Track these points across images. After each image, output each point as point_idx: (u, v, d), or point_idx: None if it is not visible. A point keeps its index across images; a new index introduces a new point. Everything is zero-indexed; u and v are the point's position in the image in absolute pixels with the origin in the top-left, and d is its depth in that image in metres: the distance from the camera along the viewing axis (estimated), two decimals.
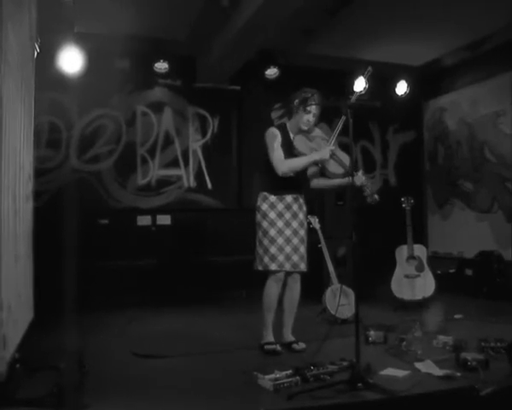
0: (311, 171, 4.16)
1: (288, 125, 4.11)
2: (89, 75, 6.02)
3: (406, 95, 7.50)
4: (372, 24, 6.14)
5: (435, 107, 8.04)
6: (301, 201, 4.12)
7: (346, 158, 3.97)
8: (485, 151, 7.10)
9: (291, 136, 4.05)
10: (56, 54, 5.86)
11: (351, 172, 3.72)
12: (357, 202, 3.42)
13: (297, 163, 3.94)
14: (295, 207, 4.06)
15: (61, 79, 6.01)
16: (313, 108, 3.96)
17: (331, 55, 7.04)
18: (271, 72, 6.97)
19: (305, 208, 4.15)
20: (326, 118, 4.21)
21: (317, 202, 6.62)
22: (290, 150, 3.97)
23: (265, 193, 4.04)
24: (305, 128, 4.02)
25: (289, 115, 4.15)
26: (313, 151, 3.95)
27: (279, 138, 3.98)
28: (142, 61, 6.66)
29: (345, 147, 3.84)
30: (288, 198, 4.03)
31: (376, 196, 3.72)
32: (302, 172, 4.06)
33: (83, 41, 5.88)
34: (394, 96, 7.52)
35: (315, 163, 3.99)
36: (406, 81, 7.46)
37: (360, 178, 3.87)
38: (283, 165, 3.91)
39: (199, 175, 7.16)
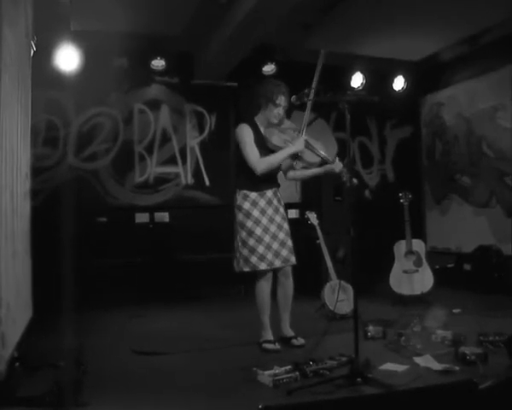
0: (285, 164, 4.12)
1: (256, 119, 4.04)
2: (85, 73, 6.01)
3: (404, 90, 7.51)
4: (370, 19, 6.12)
5: (433, 102, 8.02)
6: (279, 195, 4.09)
7: (319, 146, 3.97)
8: (483, 146, 7.08)
9: (262, 130, 4.00)
10: (53, 52, 5.85)
11: (329, 159, 3.74)
12: (356, 198, 3.41)
13: (274, 160, 3.89)
14: (275, 201, 4.02)
15: (57, 78, 6.00)
16: (282, 101, 3.93)
17: (328, 51, 7.02)
18: (269, 68, 6.95)
19: (283, 202, 4.11)
20: (323, 113, 4.19)
21: (314, 198, 6.63)
22: (264, 145, 3.92)
23: (245, 191, 3.96)
24: (276, 121, 3.98)
25: (257, 109, 4.05)
26: (287, 143, 3.90)
27: (251, 134, 3.92)
28: (139, 59, 6.63)
29: (342, 142, 3.84)
30: (269, 193, 3.99)
31: (355, 181, 3.64)
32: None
33: (79, 39, 5.87)
34: (392, 92, 7.51)
35: (292, 156, 3.95)
36: (404, 76, 7.46)
37: (338, 164, 3.90)
38: (261, 164, 3.85)
39: (196, 172, 7.15)
